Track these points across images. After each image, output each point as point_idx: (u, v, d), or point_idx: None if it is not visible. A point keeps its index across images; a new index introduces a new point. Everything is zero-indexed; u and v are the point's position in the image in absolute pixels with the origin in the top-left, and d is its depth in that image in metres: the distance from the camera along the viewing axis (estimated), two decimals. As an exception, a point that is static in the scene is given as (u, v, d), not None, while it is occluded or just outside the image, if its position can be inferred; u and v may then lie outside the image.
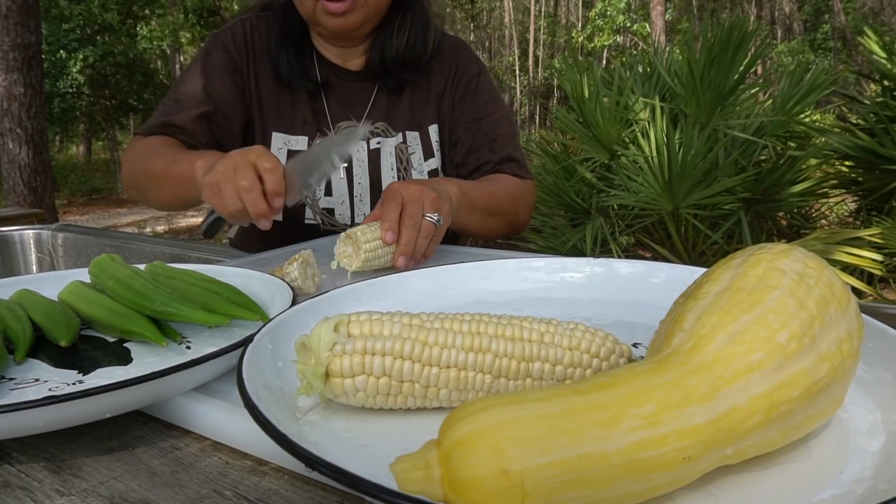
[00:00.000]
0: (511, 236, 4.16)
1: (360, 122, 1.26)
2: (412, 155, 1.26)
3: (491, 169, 1.26)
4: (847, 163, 3.62)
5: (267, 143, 1.25)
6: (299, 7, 1.17)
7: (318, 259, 0.84)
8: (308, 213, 1.26)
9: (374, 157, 1.25)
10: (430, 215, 0.89)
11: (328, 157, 0.92)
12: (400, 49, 1.21)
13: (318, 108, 1.26)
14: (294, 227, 1.25)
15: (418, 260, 0.88)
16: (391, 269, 0.86)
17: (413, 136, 1.27)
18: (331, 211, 1.26)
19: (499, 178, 1.24)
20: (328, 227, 1.26)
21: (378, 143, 1.26)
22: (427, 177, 1.26)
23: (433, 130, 1.28)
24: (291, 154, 1.25)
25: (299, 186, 0.91)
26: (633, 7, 17.24)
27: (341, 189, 1.25)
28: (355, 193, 1.25)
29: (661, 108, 3.45)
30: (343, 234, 0.83)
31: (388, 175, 1.25)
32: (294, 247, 1.13)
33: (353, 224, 1.26)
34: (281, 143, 1.25)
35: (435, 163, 1.28)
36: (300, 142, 1.25)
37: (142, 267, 0.72)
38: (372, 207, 1.25)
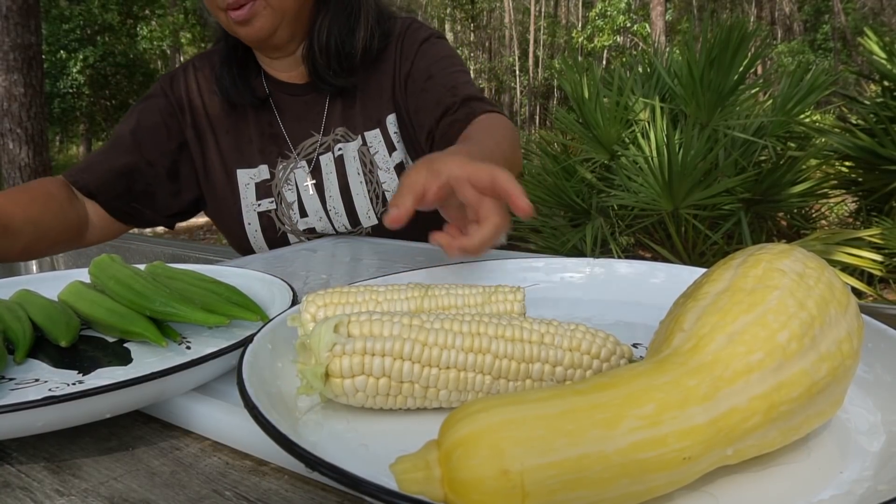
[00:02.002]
0: (512, 239, 4.16)
1: (320, 135, 1.23)
2: (375, 154, 1.22)
3: (456, 110, 1.12)
4: (847, 163, 3.63)
5: (233, 181, 1.23)
6: (220, 22, 1.14)
7: (318, 258, 0.83)
8: (292, 238, 1.24)
9: (340, 164, 1.22)
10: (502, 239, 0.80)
11: None
12: (322, 53, 1.16)
13: (275, 133, 1.24)
14: None
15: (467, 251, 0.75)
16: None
17: (373, 136, 1.22)
18: (312, 230, 1.24)
19: (491, 124, 1.07)
20: None
21: (340, 149, 1.22)
22: (394, 173, 1.21)
23: (391, 122, 1.22)
24: (259, 187, 1.23)
25: None
26: (633, 7, 17.25)
27: (315, 206, 1.23)
28: (329, 207, 1.23)
29: (661, 108, 3.45)
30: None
31: (356, 181, 1.22)
32: (294, 246, 1.13)
33: (337, 235, 1.23)
34: (247, 178, 1.23)
35: (399, 155, 1.22)
36: (262, 171, 1.23)
37: (142, 267, 0.72)
38: (348, 217, 1.22)
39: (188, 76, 1.27)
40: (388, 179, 1.21)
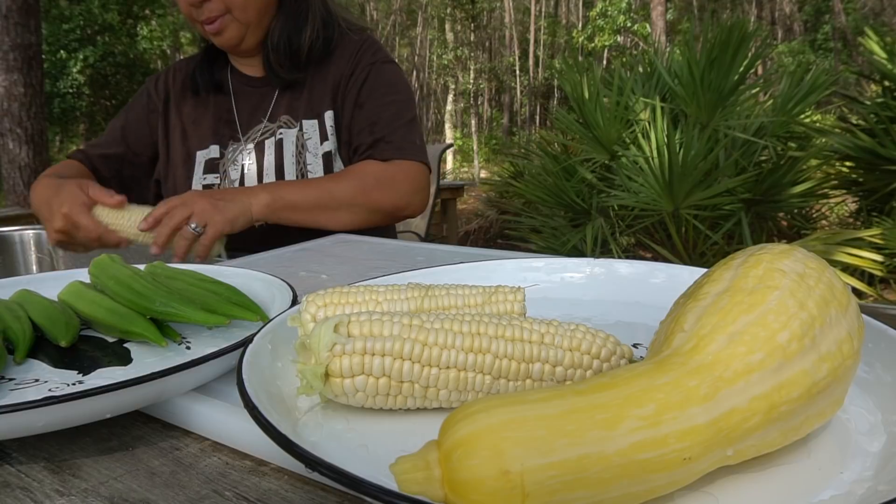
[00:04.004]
0: (513, 239, 4.15)
1: (266, 121, 1.40)
2: (308, 140, 1.37)
3: (363, 151, 1.34)
4: (847, 163, 3.63)
5: (191, 162, 1.41)
6: (195, 30, 1.36)
7: (318, 258, 0.84)
8: None
9: (279, 147, 1.38)
10: (192, 225, 1.08)
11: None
12: (274, 50, 1.35)
13: (230, 119, 1.42)
14: None
15: (181, 257, 1.08)
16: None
17: (310, 125, 1.38)
18: None
19: (352, 169, 1.32)
20: None
21: (281, 134, 1.39)
22: (321, 160, 1.37)
23: (328, 116, 1.38)
24: (209, 165, 1.41)
25: None
26: (633, 7, 17.23)
27: (252, 182, 1.39)
28: (265, 182, 1.38)
29: (662, 108, 3.45)
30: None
31: (290, 161, 1.37)
32: (294, 247, 1.13)
33: None
34: (201, 157, 1.41)
35: (329, 145, 1.37)
36: (213, 150, 1.41)
37: (142, 267, 0.72)
38: None
39: (168, 77, 1.49)
40: (314, 163, 1.37)
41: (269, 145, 1.38)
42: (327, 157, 1.37)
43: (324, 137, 1.38)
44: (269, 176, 1.37)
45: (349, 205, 1.29)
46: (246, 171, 1.38)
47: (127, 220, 1.13)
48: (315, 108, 1.39)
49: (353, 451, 0.41)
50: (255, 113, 1.41)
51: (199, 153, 1.41)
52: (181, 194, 1.14)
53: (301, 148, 1.37)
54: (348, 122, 1.38)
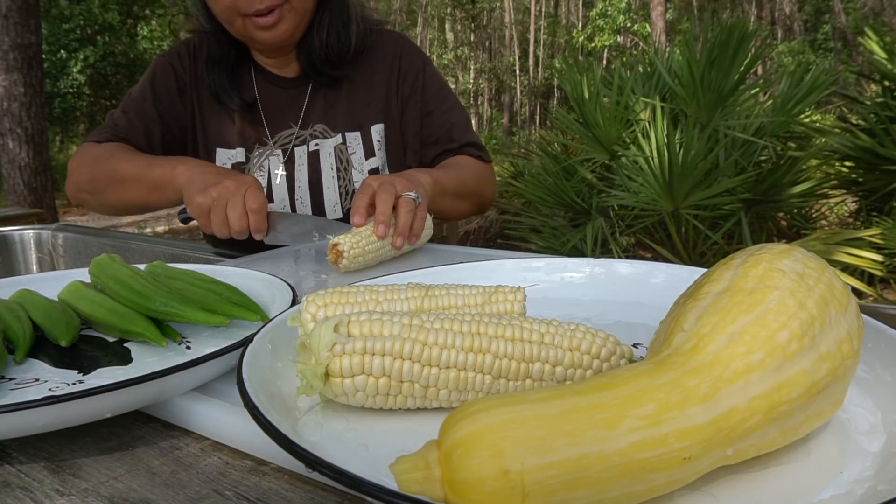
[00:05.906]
0: (512, 239, 4.16)
1: (297, 128, 1.29)
2: (352, 155, 1.28)
3: (452, 153, 1.31)
4: (847, 163, 3.63)
5: (211, 158, 1.30)
6: (230, 29, 1.19)
7: (316, 258, 0.84)
8: None
9: (314, 159, 1.28)
10: (407, 193, 0.94)
11: (309, 230, 1.05)
12: (322, 46, 1.24)
13: (256, 119, 1.30)
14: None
15: (406, 235, 0.92)
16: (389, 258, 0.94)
17: (353, 137, 1.29)
18: None
19: (462, 161, 1.29)
20: None
21: (317, 144, 1.28)
22: (368, 175, 1.28)
23: (376, 130, 1.30)
24: (235, 167, 1.29)
25: (275, 235, 1.04)
26: (633, 7, 17.24)
27: (282, 195, 1.28)
28: (296, 197, 1.28)
29: (662, 108, 3.45)
30: (329, 244, 0.89)
31: (328, 175, 1.28)
32: (294, 246, 1.13)
33: None
34: (225, 158, 1.30)
35: (376, 161, 1.30)
36: (239, 154, 1.29)
37: (142, 267, 0.72)
38: (312, 209, 1.29)
39: (185, 56, 1.32)
40: (361, 179, 1.27)
41: (301, 155, 1.28)
42: (374, 173, 1.28)
43: (369, 152, 1.28)
44: (303, 189, 1.27)
45: (471, 194, 1.27)
46: (276, 181, 1.27)
47: (365, 238, 0.90)
48: (357, 118, 1.29)
49: (353, 451, 0.41)
50: (284, 116, 1.30)
51: (220, 151, 1.29)
52: (363, 182, 0.97)
53: (346, 163, 1.27)
54: (416, 130, 1.30)
